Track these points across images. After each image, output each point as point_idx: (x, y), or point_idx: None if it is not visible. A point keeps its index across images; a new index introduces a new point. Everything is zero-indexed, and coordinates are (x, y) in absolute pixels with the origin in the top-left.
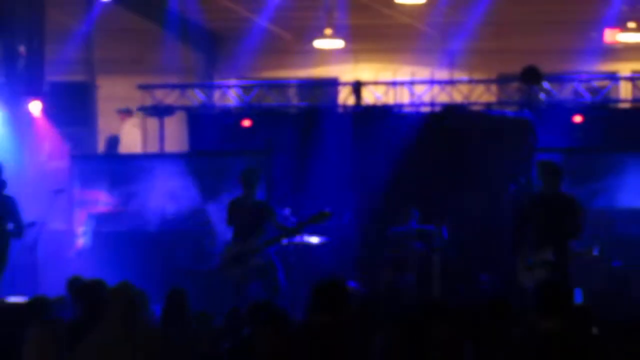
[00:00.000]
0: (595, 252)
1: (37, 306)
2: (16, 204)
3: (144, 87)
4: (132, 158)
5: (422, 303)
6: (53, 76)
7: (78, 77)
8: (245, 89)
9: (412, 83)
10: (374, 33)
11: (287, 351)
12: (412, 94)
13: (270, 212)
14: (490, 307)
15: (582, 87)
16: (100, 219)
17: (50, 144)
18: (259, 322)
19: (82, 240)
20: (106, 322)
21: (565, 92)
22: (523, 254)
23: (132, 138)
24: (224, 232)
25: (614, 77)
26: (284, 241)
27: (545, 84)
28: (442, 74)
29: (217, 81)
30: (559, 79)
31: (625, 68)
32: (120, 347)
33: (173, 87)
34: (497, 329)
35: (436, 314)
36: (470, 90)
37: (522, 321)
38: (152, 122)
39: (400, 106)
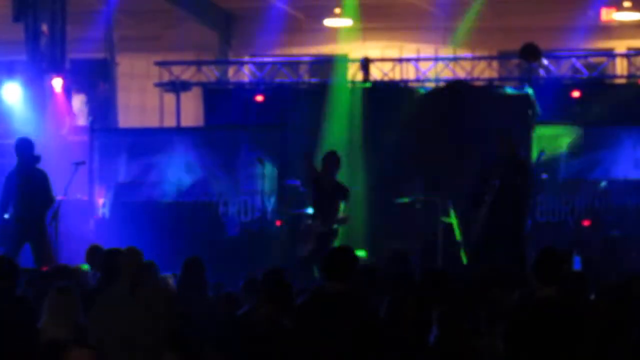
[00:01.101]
0: None
1: (59, 274)
2: (48, 179)
3: (162, 64)
4: (150, 132)
5: (426, 271)
6: (74, 54)
7: (98, 55)
8: (259, 65)
9: (417, 60)
10: (381, 12)
11: (281, 320)
12: (417, 70)
13: (344, 193)
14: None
15: (579, 64)
16: (119, 190)
17: (71, 119)
18: (253, 291)
19: (101, 210)
20: (116, 285)
21: (563, 68)
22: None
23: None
24: (237, 203)
25: (610, 54)
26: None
27: (544, 61)
28: (446, 51)
29: (232, 58)
30: (557, 55)
31: (620, 45)
32: (129, 308)
33: (189, 64)
34: (494, 295)
35: (439, 283)
36: (472, 67)
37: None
38: (170, 98)
39: (406, 82)
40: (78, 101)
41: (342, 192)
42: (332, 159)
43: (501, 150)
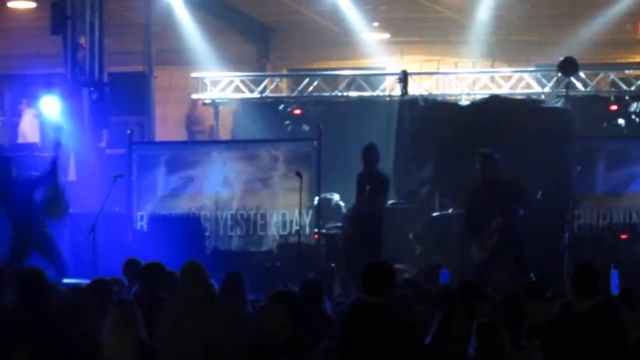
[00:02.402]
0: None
1: (99, 288)
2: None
3: (199, 78)
4: (188, 144)
5: (463, 285)
6: (112, 67)
7: (136, 68)
8: (296, 79)
9: (455, 74)
10: (419, 26)
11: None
12: (455, 84)
13: (383, 180)
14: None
15: (616, 77)
16: (157, 203)
17: (109, 132)
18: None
19: (139, 223)
20: (188, 298)
21: (600, 82)
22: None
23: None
24: (275, 216)
25: None
26: None
27: (582, 74)
28: (484, 65)
29: (269, 72)
30: (594, 69)
31: None
32: (218, 318)
33: (227, 77)
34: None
35: (477, 296)
36: (510, 81)
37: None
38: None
39: (443, 96)
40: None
41: (380, 180)
42: (369, 152)
43: (486, 175)
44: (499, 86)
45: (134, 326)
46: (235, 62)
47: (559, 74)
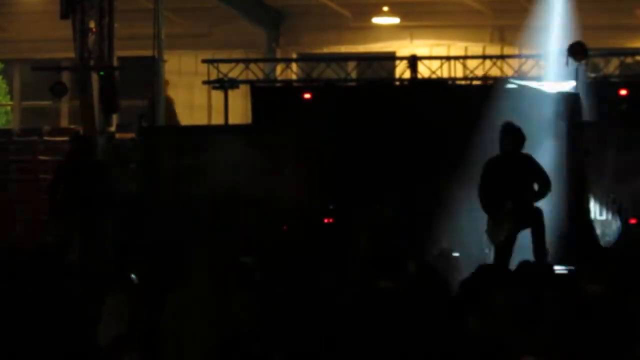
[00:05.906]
0: None
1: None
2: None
3: (209, 62)
4: (198, 129)
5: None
6: (122, 51)
7: (146, 52)
8: (307, 63)
9: (465, 58)
10: (429, 10)
11: None
12: (465, 68)
13: None
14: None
15: (627, 62)
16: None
17: (120, 116)
18: None
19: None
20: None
21: (611, 67)
22: (492, 211)
23: None
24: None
25: None
26: None
27: (592, 59)
28: (494, 49)
29: (280, 56)
30: (605, 54)
31: None
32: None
33: (237, 61)
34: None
35: (494, 280)
36: (520, 65)
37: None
38: (218, 95)
39: (453, 80)
40: None
41: None
42: None
43: (505, 148)
44: (509, 70)
45: (135, 310)
46: (245, 46)
47: (569, 59)
